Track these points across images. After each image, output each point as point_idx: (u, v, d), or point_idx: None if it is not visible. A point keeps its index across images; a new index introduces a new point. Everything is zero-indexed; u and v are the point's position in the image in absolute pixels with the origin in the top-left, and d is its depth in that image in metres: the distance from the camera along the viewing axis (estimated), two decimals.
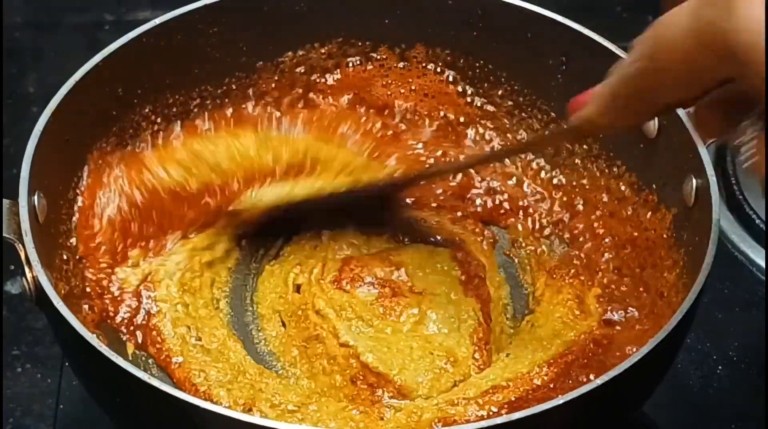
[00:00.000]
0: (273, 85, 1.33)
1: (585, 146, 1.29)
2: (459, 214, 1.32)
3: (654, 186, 1.22)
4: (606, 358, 1.14)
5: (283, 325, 1.23)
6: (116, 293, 1.20)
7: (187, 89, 1.29)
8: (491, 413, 1.10)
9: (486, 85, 1.34)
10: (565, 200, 1.31)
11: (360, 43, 1.33)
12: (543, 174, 1.33)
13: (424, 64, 1.34)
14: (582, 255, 1.27)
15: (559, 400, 0.96)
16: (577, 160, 1.31)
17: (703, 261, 1.05)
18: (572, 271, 1.25)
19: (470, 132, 1.35)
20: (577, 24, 1.25)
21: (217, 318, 1.22)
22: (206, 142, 1.27)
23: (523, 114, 1.33)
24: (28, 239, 1.05)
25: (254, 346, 1.22)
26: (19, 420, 1.25)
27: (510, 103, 1.33)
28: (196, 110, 1.30)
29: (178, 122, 1.29)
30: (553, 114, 1.31)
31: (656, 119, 1.18)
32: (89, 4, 1.70)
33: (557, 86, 1.29)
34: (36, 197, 1.09)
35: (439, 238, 1.29)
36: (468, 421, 1.08)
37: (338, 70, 1.34)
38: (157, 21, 1.23)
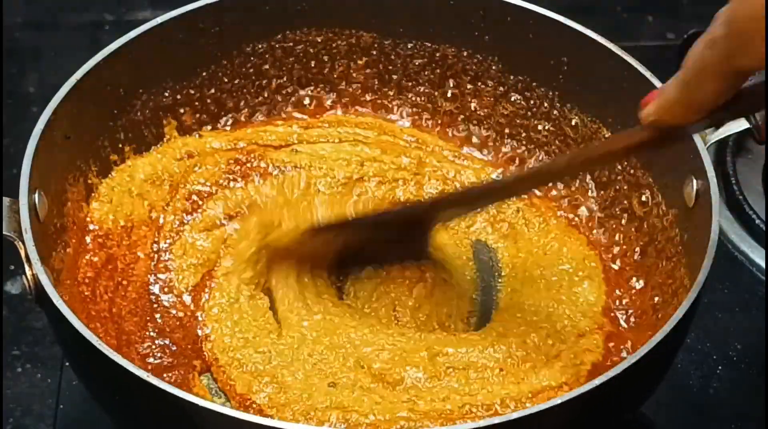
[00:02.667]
0: (273, 84, 1.33)
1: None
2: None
3: (655, 187, 1.22)
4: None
5: None
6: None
7: (189, 89, 1.29)
8: None
9: (486, 85, 1.34)
10: None
11: (362, 43, 1.33)
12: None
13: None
14: None
15: (558, 400, 0.96)
16: None
17: (703, 261, 1.06)
18: None
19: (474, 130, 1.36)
20: (577, 24, 1.25)
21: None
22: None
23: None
24: (28, 237, 1.05)
25: None
26: (19, 420, 1.25)
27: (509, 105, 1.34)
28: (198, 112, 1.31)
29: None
30: (551, 116, 1.31)
31: None
32: (89, 4, 1.70)
33: (558, 86, 1.29)
34: (36, 195, 1.09)
35: None
36: None
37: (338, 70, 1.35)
38: (158, 21, 1.23)
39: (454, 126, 1.36)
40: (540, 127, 1.32)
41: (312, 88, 1.35)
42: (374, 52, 1.34)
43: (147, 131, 1.28)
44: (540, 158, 1.33)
